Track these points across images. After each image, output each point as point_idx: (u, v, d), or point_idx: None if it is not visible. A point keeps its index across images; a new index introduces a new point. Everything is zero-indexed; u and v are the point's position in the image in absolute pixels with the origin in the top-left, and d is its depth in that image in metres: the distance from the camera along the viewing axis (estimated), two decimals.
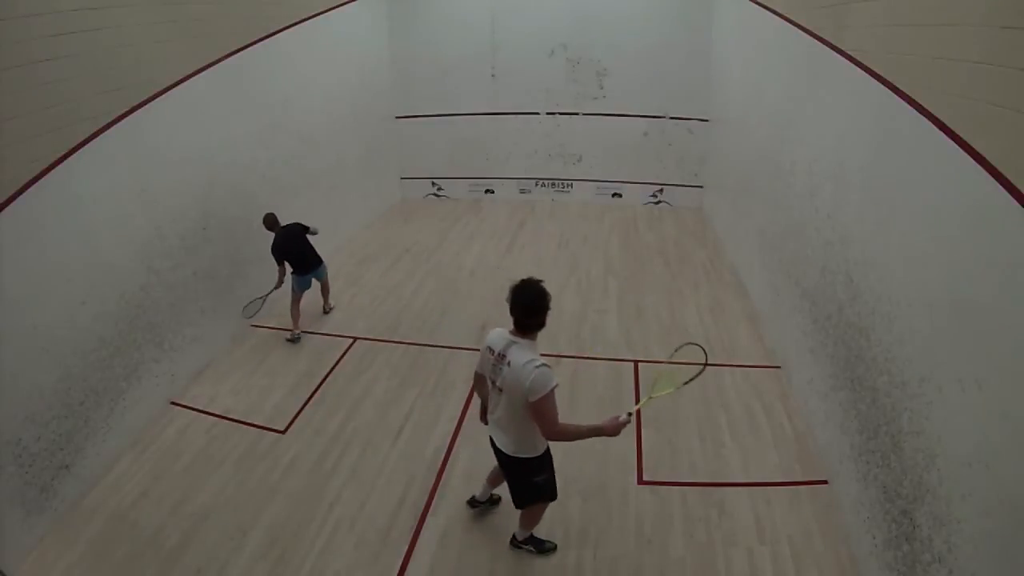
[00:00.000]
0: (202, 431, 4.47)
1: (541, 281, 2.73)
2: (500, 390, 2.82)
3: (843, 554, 3.28)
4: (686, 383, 3.04)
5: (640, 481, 3.86)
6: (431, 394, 4.78)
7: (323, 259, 5.81)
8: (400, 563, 3.38)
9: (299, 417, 4.58)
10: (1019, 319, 2.04)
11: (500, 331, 2.85)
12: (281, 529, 3.62)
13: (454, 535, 3.54)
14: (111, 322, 4.19)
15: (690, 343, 3.31)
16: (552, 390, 2.66)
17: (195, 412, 4.68)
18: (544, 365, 2.66)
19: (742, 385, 4.73)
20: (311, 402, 4.75)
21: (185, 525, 3.66)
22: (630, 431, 4.28)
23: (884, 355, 3.04)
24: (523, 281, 2.73)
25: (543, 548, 3.36)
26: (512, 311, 2.72)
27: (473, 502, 3.66)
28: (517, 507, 3.17)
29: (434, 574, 3.33)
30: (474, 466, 4.03)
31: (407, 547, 3.46)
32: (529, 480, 3.04)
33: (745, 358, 5.08)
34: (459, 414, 4.53)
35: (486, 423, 3.13)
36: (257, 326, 5.83)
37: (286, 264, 5.50)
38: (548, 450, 3.03)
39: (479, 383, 3.05)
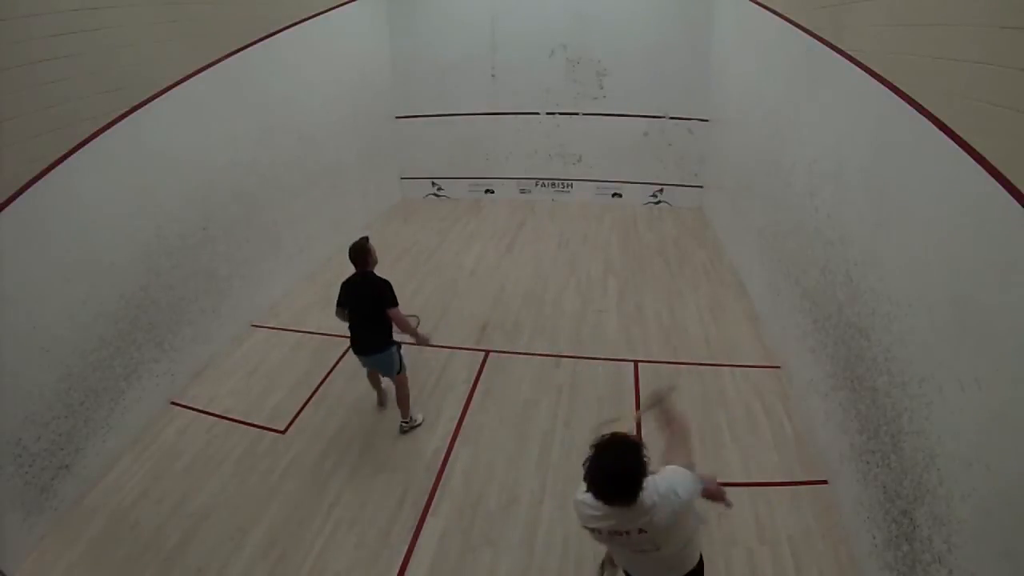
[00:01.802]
0: (202, 431, 4.47)
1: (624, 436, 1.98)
2: (654, 550, 2.10)
3: (843, 554, 3.28)
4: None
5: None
6: (431, 394, 4.78)
7: (384, 346, 4.13)
8: (400, 563, 3.38)
9: (299, 417, 4.58)
10: (1019, 319, 2.04)
11: (589, 500, 2.00)
12: (281, 529, 3.62)
13: (454, 535, 3.54)
14: (111, 322, 4.19)
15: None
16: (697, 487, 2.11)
17: (195, 412, 4.68)
18: (678, 490, 2.00)
19: (742, 385, 4.73)
20: (311, 402, 4.75)
21: (185, 525, 3.66)
22: (630, 430, 4.29)
23: (884, 355, 3.04)
24: (606, 444, 1.94)
25: None
26: (599, 488, 1.93)
27: None
28: None
29: (434, 574, 3.33)
30: (474, 466, 4.04)
31: (407, 547, 3.46)
32: None
33: (745, 358, 5.08)
34: (459, 414, 4.53)
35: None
36: (257, 326, 5.83)
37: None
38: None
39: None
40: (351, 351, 4.30)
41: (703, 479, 2.19)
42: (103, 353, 4.13)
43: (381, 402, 4.65)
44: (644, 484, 1.93)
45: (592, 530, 2.10)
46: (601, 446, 1.94)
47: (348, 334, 4.23)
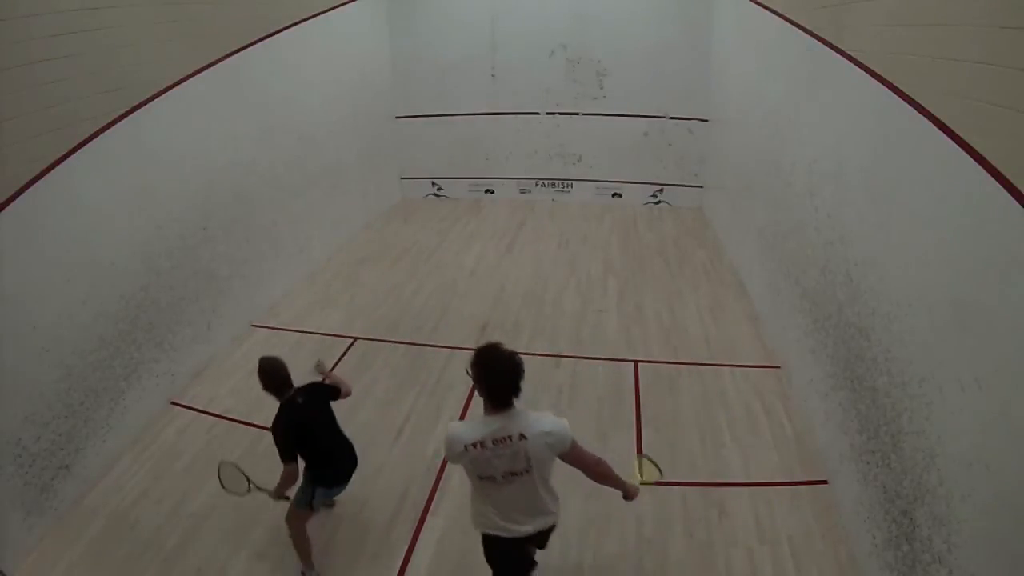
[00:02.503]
0: (202, 431, 4.47)
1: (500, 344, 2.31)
2: (522, 473, 2.34)
3: (843, 554, 3.28)
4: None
5: (640, 481, 3.85)
6: (431, 394, 4.78)
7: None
8: (400, 563, 3.38)
9: None
10: (1019, 319, 2.04)
11: (468, 423, 2.41)
12: (281, 529, 3.60)
13: (454, 535, 3.54)
14: (111, 322, 4.19)
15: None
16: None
17: (195, 412, 4.68)
18: (547, 413, 2.38)
19: (742, 385, 4.73)
20: None
21: (185, 525, 3.66)
22: (630, 430, 4.29)
23: (884, 355, 3.04)
24: (490, 349, 2.28)
25: None
26: (492, 387, 2.26)
27: None
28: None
29: (434, 574, 3.33)
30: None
31: (407, 547, 3.46)
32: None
33: (745, 358, 5.08)
34: (459, 414, 4.53)
35: None
36: (257, 326, 5.83)
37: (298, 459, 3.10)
38: None
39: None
40: (320, 483, 3.19)
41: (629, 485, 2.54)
42: (103, 353, 4.13)
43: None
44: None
45: (471, 460, 2.32)
46: (484, 352, 2.27)
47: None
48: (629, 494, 2.62)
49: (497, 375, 2.25)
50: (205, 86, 5.01)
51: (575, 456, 2.41)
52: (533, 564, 2.85)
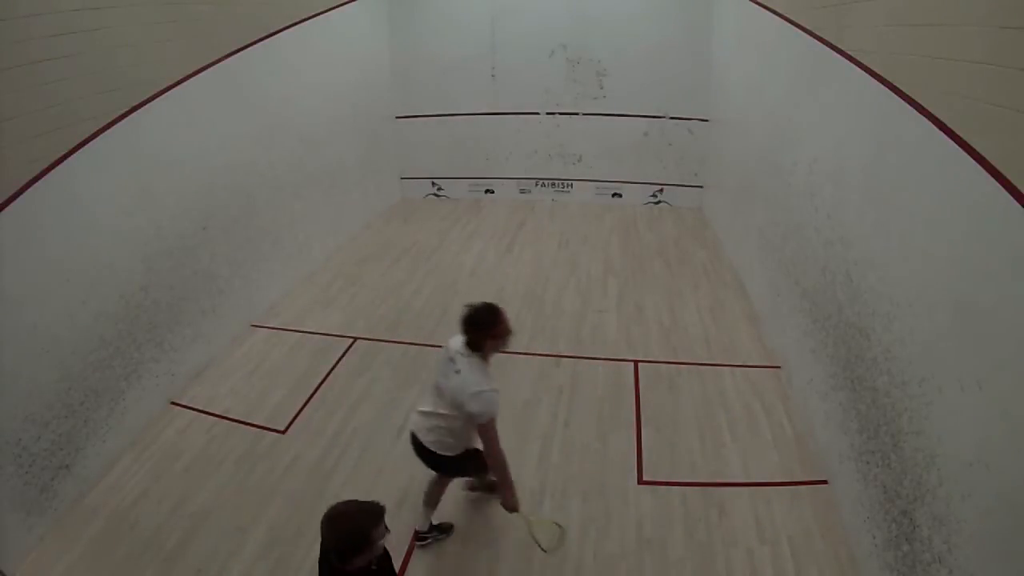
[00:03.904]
0: (202, 431, 4.47)
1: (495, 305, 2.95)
2: (447, 392, 2.96)
3: (843, 554, 3.28)
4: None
5: (640, 481, 3.86)
6: None
7: None
8: (400, 563, 3.38)
9: (299, 417, 4.58)
10: (1019, 319, 2.04)
11: (448, 345, 3.04)
12: (281, 529, 3.62)
13: (454, 536, 3.54)
14: (111, 322, 4.19)
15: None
16: (495, 418, 2.85)
17: (195, 412, 4.68)
18: (494, 391, 2.84)
19: (742, 385, 4.73)
20: (311, 402, 4.75)
21: (185, 525, 3.66)
22: (630, 430, 4.29)
23: (884, 355, 3.04)
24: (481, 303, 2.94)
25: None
26: (471, 318, 2.91)
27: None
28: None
29: (434, 574, 3.33)
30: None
31: (407, 547, 3.46)
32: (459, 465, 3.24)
33: (745, 358, 5.08)
34: None
35: None
36: (257, 326, 5.83)
37: None
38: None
39: None
40: None
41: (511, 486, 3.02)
42: (103, 353, 4.13)
43: None
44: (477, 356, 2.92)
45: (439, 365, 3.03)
46: (473, 306, 2.93)
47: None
48: (508, 503, 3.03)
49: (473, 311, 2.95)
50: (205, 86, 5.01)
51: (480, 432, 2.89)
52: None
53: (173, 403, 4.77)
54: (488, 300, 3.00)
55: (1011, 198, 2.08)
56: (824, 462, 3.82)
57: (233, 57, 5.37)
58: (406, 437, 4.35)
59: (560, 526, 3.20)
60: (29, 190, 3.50)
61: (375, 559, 2.06)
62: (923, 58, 2.78)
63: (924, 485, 2.58)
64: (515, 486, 3.04)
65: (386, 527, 2.05)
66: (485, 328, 2.88)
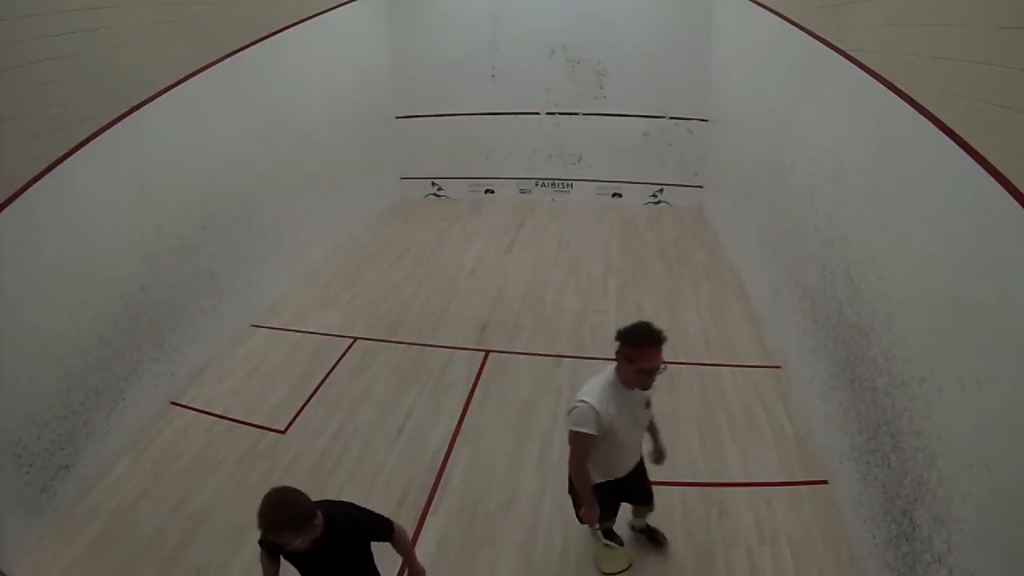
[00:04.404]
0: (202, 431, 4.47)
1: None
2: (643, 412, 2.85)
3: (843, 554, 3.28)
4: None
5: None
6: (431, 394, 4.78)
7: None
8: (400, 564, 3.37)
9: (299, 417, 4.58)
10: (1019, 319, 2.04)
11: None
12: None
13: (454, 535, 3.54)
14: (111, 322, 4.19)
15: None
16: (579, 432, 2.66)
17: (195, 412, 4.68)
18: (589, 406, 2.63)
19: (742, 385, 4.73)
20: (311, 402, 4.75)
21: (185, 525, 3.66)
22: None
23: (884, 355, 3.04)
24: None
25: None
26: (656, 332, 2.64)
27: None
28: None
29: (434, 574, 3.32)
30: (474, 466, 4.03)
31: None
32: None
33: (745, 358, 5.08)
34: (459, 414, 4.53)
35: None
36: (257, 326, 5.83)
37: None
38: None
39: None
40: None
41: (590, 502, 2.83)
42: (103, 353, 4.13)
43: None
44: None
45: (611, 419, 2.66)
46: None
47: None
48: (588, 508, 2.83)
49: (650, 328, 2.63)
50: (205, 86, 5.01)
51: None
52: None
53: (173, 403, 4.77)
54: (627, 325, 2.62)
55: (1011, 198, 2.08)
56: (824, 462, 3.82)
57: (233, 57, 5.37)
58: (406, 437, 4.42)
59: (630, 562, 2.89)
60: (29, 190, 3.50)
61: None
62: (923, 58, 2.78)
63: (924, 485, 2.58)
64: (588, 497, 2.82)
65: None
66: (622, 341, 2.58)
